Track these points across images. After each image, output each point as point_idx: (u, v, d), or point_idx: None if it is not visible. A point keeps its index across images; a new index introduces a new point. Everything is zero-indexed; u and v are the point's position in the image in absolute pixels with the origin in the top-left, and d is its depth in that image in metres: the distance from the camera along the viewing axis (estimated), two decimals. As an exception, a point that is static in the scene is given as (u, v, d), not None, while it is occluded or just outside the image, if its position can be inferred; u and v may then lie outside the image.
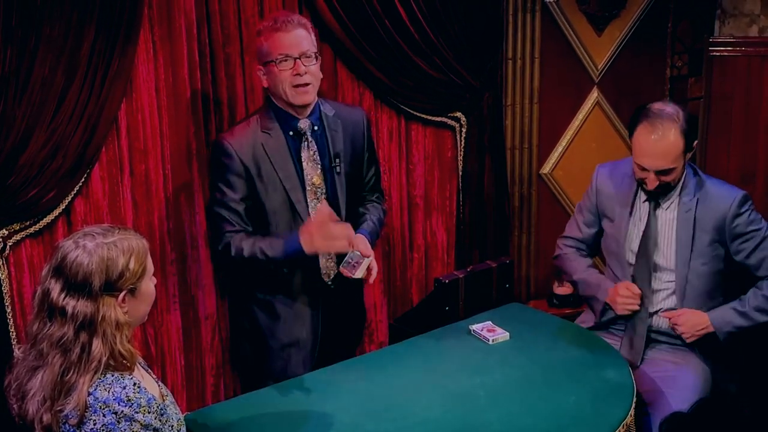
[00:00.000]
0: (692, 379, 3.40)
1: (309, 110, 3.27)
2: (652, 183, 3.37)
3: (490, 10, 4.18)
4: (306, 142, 3.27)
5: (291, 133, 3.26)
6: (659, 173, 3.34)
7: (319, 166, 3.30)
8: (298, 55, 3.13)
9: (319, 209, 3.18)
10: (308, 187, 3.29)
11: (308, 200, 3.29)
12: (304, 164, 3.28)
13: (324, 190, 3.32)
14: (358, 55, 3.89)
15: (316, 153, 3.29)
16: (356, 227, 3.33)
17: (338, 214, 3.29)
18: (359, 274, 3.17)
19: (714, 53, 4.48)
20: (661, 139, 3.31)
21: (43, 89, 3.10)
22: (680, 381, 3.38)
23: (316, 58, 3.19)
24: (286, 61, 3.13)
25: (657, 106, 3.39)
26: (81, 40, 3.15)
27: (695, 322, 3.41)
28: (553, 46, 4.45)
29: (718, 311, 3.45)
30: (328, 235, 3.08)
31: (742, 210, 3.41)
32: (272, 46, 3.14)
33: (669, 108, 3.39)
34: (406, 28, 3.92)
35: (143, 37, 3.40)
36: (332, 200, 3.33)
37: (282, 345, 3.39)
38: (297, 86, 3.16)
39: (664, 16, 4.51)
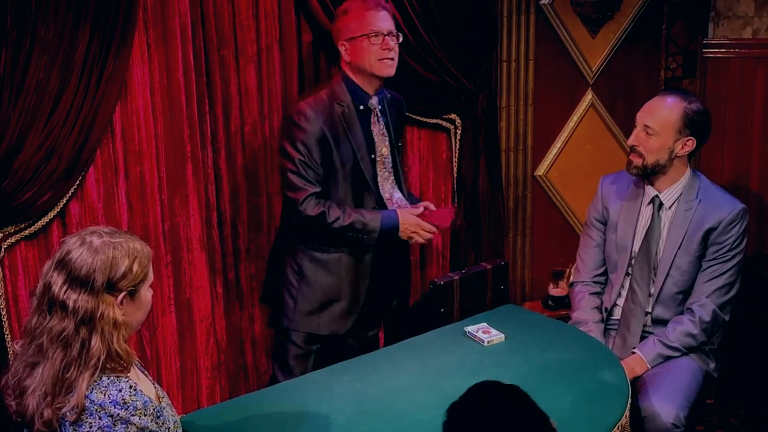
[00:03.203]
0: (685, 373, 3.44)
1: (379, 88, 3.57)
2: (632, 137, 3.53)
3: (485, 12, 4.18)
4: (376, 117, 3.58)
5: (361, 107, 3.53)
6: (642, 131, 3.48)
7: (387, 139, 3.62)
8: (386, 32, 3.47)
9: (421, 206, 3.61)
10: (378, 158, 3.59)
11: (377, 170, 3.60)
12: (375, 137, 3.58)
13: (390, 162, 3.63)
14: (353, 57, 3.89)
15: (383, 128, 3.60)
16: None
17: (401, 187, 3.69)
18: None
19: (708, 55, 4.49)
20: (662, 100, 3.51)
21: (38, 92, 3.09)
22: (674, 374, 3.42)
23: (398, 37, 3.51)
24: (376, 36, 3.44)
25: (682, 89, 3.55)
26: (75, 42, 3.14)
27: (630, 370, 3.40)
28: (547, 48, 4.46)
29: (647, 348, 3.50)
30: (425, 229, 3.54)
31: (738, 223, 3.47)
32: (364, 23, 3.45)
33: (690, 95, 3.58)
34: (401, 30, 3.91)
35: (138, 39, 3.40)
36: (395, 174, 3.67)
37: (330, 299, 3.60)
38: (383, 60, 3.47)
39: (658, 18, 4.52)
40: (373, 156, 3.58)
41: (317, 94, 3.52)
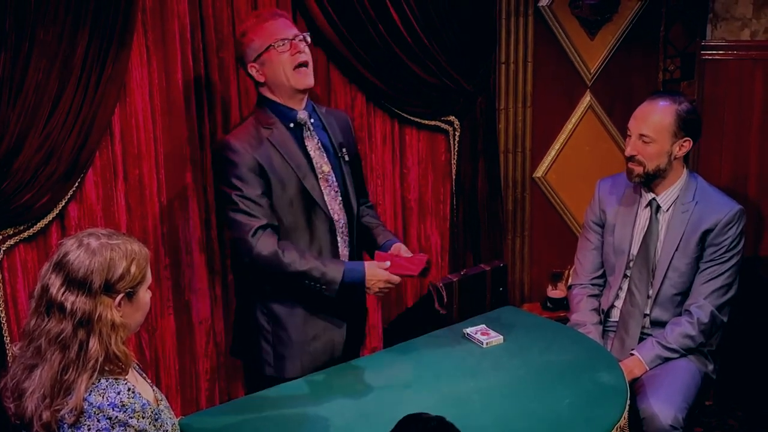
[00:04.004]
0: (684, 375, 3.44)
1: (305, 102, 3.29)
2: (630, 148, 3.50)
3: (483, 14, 4.19)
4: (308, 132, 3.29)
5: (291, 125, 3.26)
6: (639, 140, 3.46)
7: (325, 154, 3.32)
8: (292, 37, 3.19)
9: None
10: (320, 175, 3.29)
11: (321, 188, 3.29)
12: (311, 153, 3.28)
13: (334, 178, 3.33)
14: (351, 59, 3.89)
15: (320, 142, 3.31)
16: (368, 232, 3.46)
17: (349, 203, 3.36)
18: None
19: (706, 57, 4.49)
20: (653, 105, 3.49)
21: (37, 94, 3.10)
22: (673, 376, 3.42)
23: (305, 40, 3.24)
24: (282, 43, 3.16)
25: (668, 91, 3.50)
26: (75, 44, 3.15)
27: (629, 371, 3.40)
28: (546, 50, 4.46)
29: (645, 350, 3.49)
30: (393, 282, 3.21)
31: (735, 224, 3.47)
32: (265, 35, 3.17)
33: (677, 96, 3.55)
34: (399, 33, 3.93)
35: (137, 41, 3.41)
36: (342, 188, 3.36)
37: (307, 338, 3.31)
38: (298, 67, 3.19)
39: (657, 20, 4.52)
40: (315, 173, 3.28)
41: (244, 122, 3.28)
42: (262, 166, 3.17)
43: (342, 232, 3.36)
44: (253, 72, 3.23)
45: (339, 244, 3.34)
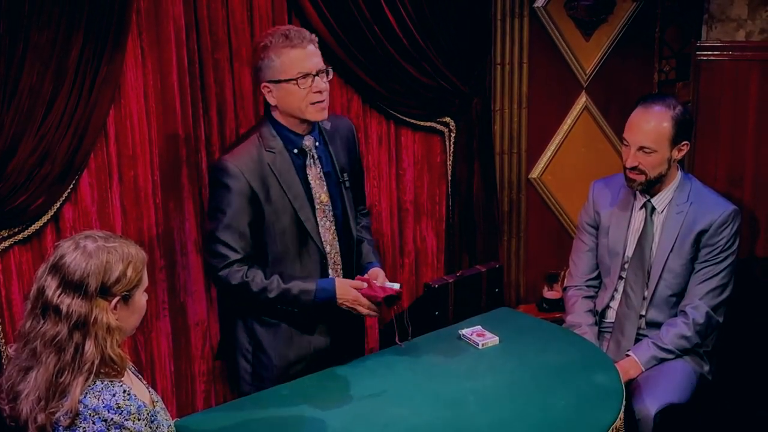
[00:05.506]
0: (679, 375, 3.44)
1: (311, 128, 3.22)
2: (630, 159, 3.46)
3: (479, 15, 4.19)
4: (312, 160, 3.21)
5: (295, 151, 3.18)
6: (639, 151, 3.43)
7: (325, 183, 3.25)
8: (316, 72, 3.09)
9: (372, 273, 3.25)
10: (317, 206, 3.22)
11: (318, 219, 3.23)
12: (311, 182, 3.21)
13: (331, 208, 3.26)
14: (346, 60, 3.89)
15: (321, 171, 3.24)
16: (358, 250, 3.39)
17: (348, 230, 3.32)
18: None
19: (701, 58, 4.50)
20: (648, 114, 3.44)
21: (31, 96, 3.09)
22: (668, 376, 3.42)
23: (328, 73, 3.15)
24: (305, 78, 3.07)
25: (658, 95, 3.45)
26: (69, 46, 3.15)
27: (625, 372, 3.39)
28: (541, 51, 4.47)
29: (641, 351, 3.49)
30: (363, 305, 3.17)
31: (730, 224, 3.47)
32: (289, 63, 3.06)
33: (669, 99, 3.52)
34: (394, 34, 3.93)
35: (131, 43, 3.40)
36: (342, 218, 3.30)
37: (289, 363, 3.27)
38: (315, 103, 3.11)
39: (652, 21, 4.53)
40: (313, 204, 3.21)
41: (244, 142, 3.17)
42: (257, 195, 3.11)
43: (334, 262, 3.31)
44: (265, 92, 3.13)
45: (330, 275, 3.28)
